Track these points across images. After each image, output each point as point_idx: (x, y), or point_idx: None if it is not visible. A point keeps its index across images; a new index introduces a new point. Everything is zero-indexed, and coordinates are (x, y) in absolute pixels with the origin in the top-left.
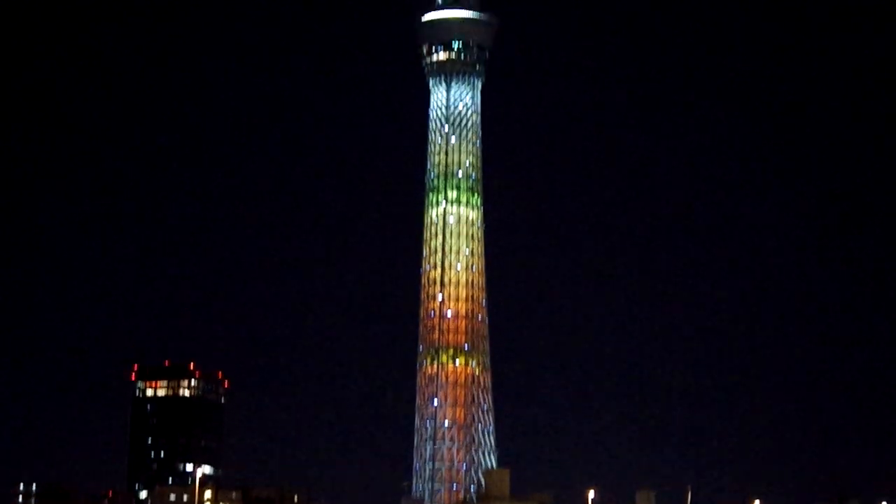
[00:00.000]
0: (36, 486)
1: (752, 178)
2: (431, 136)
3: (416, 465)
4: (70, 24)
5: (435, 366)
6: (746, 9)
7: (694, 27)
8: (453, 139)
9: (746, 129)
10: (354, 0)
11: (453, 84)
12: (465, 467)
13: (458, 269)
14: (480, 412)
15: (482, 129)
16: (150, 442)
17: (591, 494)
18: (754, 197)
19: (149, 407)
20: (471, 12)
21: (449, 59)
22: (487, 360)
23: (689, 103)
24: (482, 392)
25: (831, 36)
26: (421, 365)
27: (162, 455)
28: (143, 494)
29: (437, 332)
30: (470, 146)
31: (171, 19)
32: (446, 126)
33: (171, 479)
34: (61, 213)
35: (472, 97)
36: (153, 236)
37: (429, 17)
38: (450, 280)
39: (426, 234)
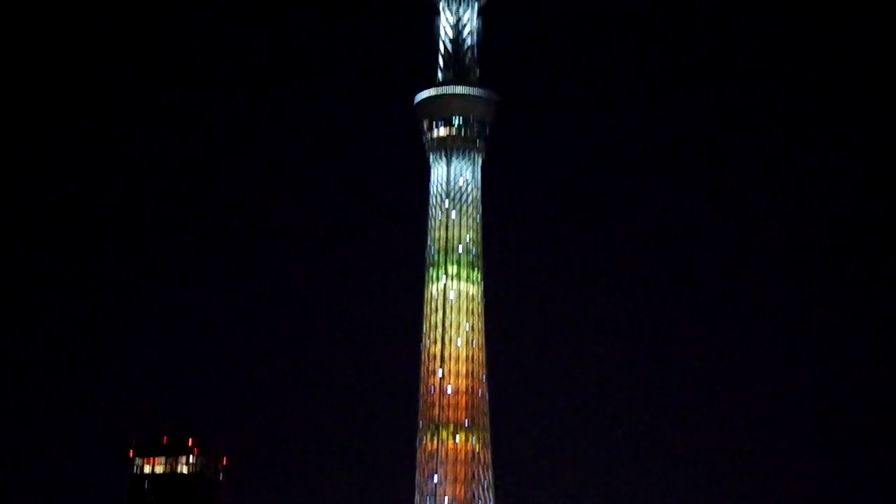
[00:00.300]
0: None
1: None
2: (432, 212)
3: None
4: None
5: (435, 442)
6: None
7: (698, 96)
8: (454, 214)
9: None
10: (354, 75)
11: (454, 159)
12: None
13: (459, 344)
14: (481, 489)
15: (482, 204)
16: None
17: None
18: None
19: (146, 484)
20: (471, 88)
21: (449, 135)
22: (488, 437)
23: (695, 168)
24: (483, 469)
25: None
26: (421, 441)
27: None
28: None
29: (437, 407)
30: (470, 221)
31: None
32: (447, 201)
33: None
34: (59, 286)
35: (473, 172)
36: (151, 313)
37: (429, 93)
38: (450, 355)
39: (426, 310)
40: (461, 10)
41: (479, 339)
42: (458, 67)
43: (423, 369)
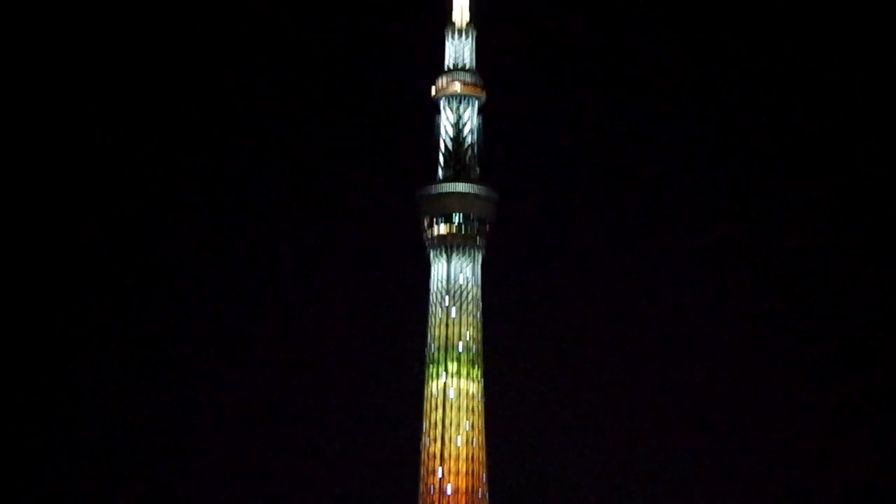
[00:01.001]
0: None
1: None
2: (432, 309)
3: None
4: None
5: None
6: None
7: (701, 191)
8: (454, 312)
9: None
10: (353, 172)
11: (454, 257)
12: None
13: (459, 443)
14: None
15: (483, 301)
16: None
17: None
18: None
19: None
20: (472, 186)
21: (449, 233)
22: None
23: (700, 263)
24: None
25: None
26: None
27: None
28: None
29: None
30: (470, 319)
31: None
32: (447, 298)
33: None
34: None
35: (473, 270)
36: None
37: (429, 190)
38: (450, 454)
39: (426, 408)
40: (461, 108)
41: (479, 438)
42: (458, 165)
43: (422, 469)
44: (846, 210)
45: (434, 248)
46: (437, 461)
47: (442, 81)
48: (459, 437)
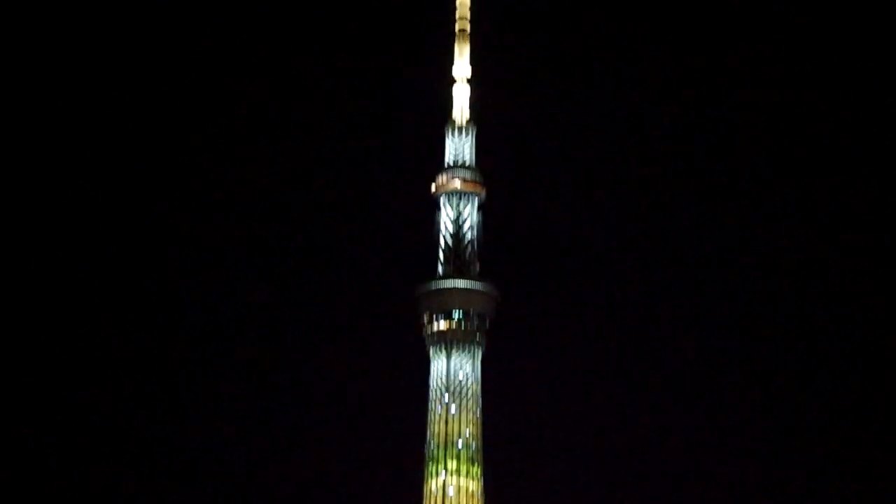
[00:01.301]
0: None
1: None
2: (431, 406)
3: None
4: None
5: None
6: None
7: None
8: (453, 409)
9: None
10: (353, 270)
11: (454, 353)
12: None
13: None
14: None
15: (483, 398)
16: None
17: None
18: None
19: None
20: (471, 283)
21: (449, 329)
22: None
23: (699, 359)
24: None
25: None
26: None
27: None
28: None
29: None
30: (470, 416)
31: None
32: (446, 395)
33: None
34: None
35: (473, 366)
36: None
37: (429, 287)
38: None
39: None
40: (462, 205)
41: None
42: (458, 261)
43: None
44: (845, 210)
45: (434, 344)
46: None
47: (442, 178)
48: None
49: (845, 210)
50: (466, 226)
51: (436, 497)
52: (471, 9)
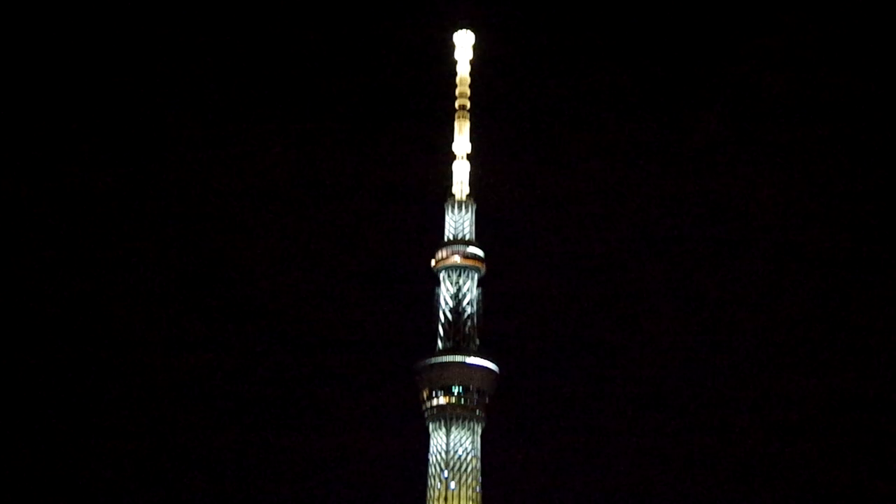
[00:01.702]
0: None
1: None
2: (431, 482)
3: None
4: None
5: None
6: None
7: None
8: (453, 485)
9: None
10: (352, 344)
11: (453, 429)
12: None
13: None
14: None
15: (482, 474)
16: None
17: None
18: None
19: None
20: (471, 358)
21: (449, 404)
22: None
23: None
24: None
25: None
26: None
27: None
28: None
29: None
30: (470, 492)
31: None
32: (446, 471)
33: None
34: None
35: (473, 442)
36: None
37: (428, 362)
38: None
39: None
40: (461, 280)
41: None
42: (457, 336)
43: None
44: (844, 211)
45: (433, 419)
46: None
47: (442, 253)
48: None
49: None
50: (466, 301)
51: None
52: (471, 86)
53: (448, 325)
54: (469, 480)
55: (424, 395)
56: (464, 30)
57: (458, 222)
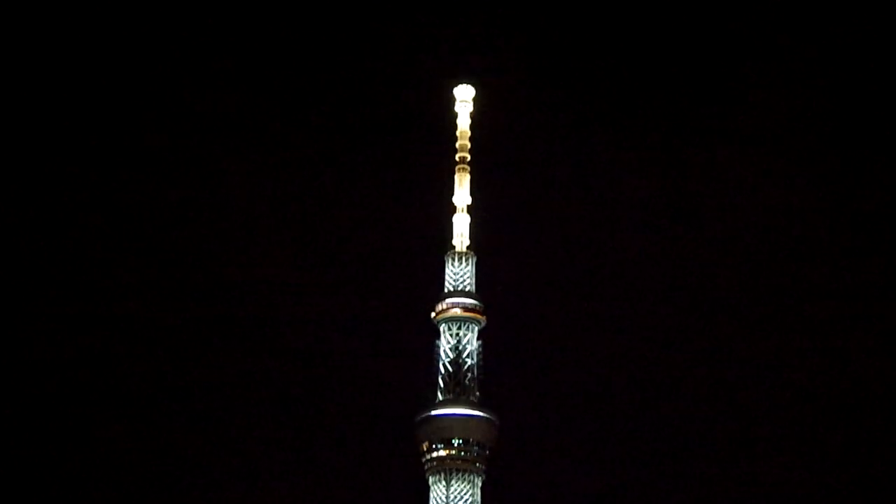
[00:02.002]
0: None
1: None
2: None
3: None
4: None
5: None
6: None
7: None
8: None
9: None
10: (350, 396)
11: (453, 482)
12: None
13: None
14: None
15: None
16: None
17: None
18: None
19: None
20: (471, 410)
21: (449, 456)
22: None
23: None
24: None
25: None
26: None
27: None
28: None
29: None
30: None
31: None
32: None
33: None
34: None
35: (473, 495)
36: None
37: (428, 414)
38: None
39: None
40: (461, 332)
41: None
42: (457, 388)
43: None
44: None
45: (433, 472)
46: None
47: (442, 305)
48: None
49: None
50: (466, 353)
51: None
52: (471, 139)
53: (448, 377)
54: None
55: (424, 448)
56: (464, 84)
57: (459, 274)
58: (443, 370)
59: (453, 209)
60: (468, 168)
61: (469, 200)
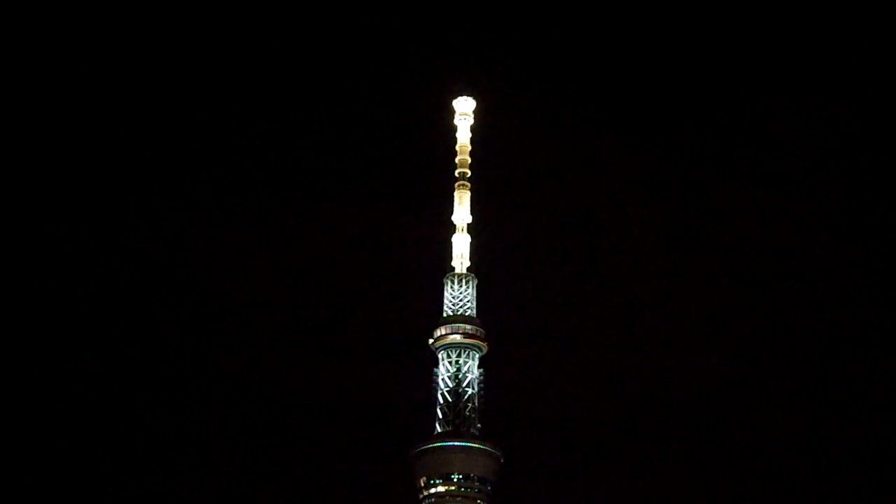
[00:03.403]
0: None
1: None
2: None
3: None
4: None
5: None
6: None
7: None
8: None
9: None
10: (347, 424)
11: None
12: None
13: None
14: None
15: None
16: None
17: None
18: None
19: None
20: (472, 443)
21: (448, 492)
22: None
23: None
24: None
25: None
26: None
27: None
28: None
29: None
30: None
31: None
32: None
33: None
34: None
35: None
36: None
37: (426, 447)
38: None
39: None
40: (461, 359)
41: None
42: (457, 420)
43: None
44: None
45: None
46: None
47: (441, 330)
48: None
49: None
50: (466, 382)
51: None
52: (471, 154)
53: (447, 407)
54: None
55: (421, 483)
56: (464, 97)
57: (459, 298)
58: (441, 400)
59: (453, 228)
60: (468, 185)
61: (469, 219)
